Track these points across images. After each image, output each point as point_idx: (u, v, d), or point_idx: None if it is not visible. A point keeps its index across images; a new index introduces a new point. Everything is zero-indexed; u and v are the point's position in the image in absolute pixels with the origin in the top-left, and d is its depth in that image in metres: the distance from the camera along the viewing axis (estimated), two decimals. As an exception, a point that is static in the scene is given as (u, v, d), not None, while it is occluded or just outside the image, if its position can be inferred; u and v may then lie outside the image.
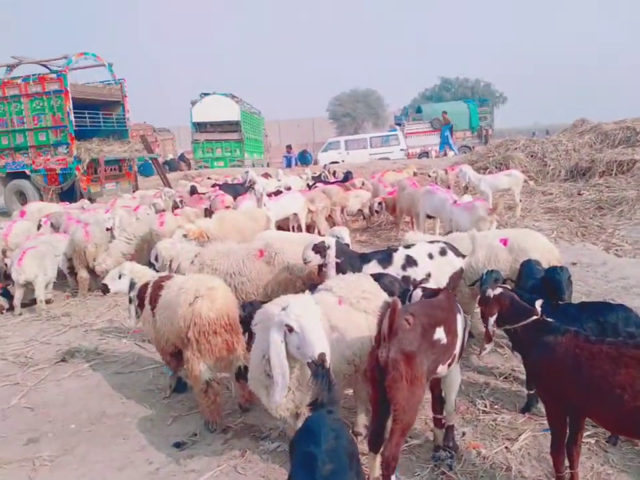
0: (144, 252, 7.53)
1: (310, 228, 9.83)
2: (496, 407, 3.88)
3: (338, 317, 3.24)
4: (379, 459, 2.80)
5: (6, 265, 7.51)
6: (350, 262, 4.45)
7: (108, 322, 6.51)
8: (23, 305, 7.23)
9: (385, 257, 4.54)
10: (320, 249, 4.40)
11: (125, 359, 5.36)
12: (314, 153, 29.52)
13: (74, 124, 16.02)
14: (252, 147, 27.78)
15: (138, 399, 4.46)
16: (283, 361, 2.76)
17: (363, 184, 12.14)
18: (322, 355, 2.60)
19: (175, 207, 10.79)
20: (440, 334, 2.91)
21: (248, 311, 4.01)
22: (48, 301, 7.45)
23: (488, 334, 3.11)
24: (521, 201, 10.40)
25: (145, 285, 4.36)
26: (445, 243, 4.69)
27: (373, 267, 4.48)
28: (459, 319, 3.13)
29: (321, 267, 4.50)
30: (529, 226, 9.40)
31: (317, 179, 14.29)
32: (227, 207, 9.63)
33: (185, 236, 6.05)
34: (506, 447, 3.38)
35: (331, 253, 4.37)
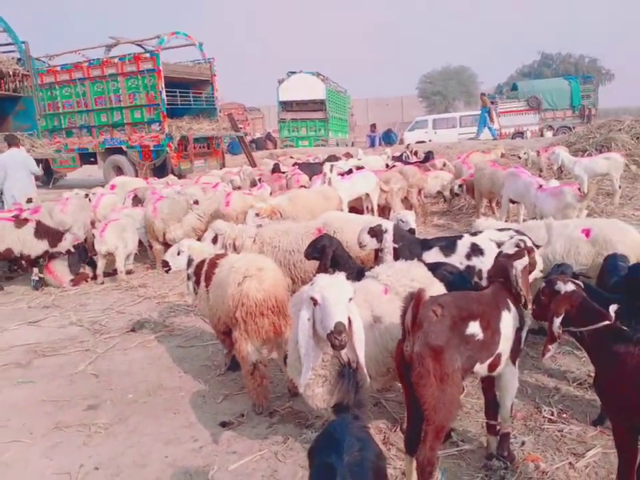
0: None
1: (385, 209, 9.57)
2: (564, 415, 3.49)
3: (382, 306, 3.04)
4: (415, 462, 2.59)
5: (93, 235, 7.95)
6: (409, 248, 4.19)
7: (179, 295, 6.70)
8: (106, 275, 7.66)
9: (448, 245, 4.24)
10: (376, 233, 4.19)
11: (189, 332, 5.49)
12: (400, 132, 28.83)
13: (166, 102, 16.71)
14: (337, 126, 27.63)
15: (194, 374, 4.53)
16: (308, 340, 2.65)
17: (445, 165, 11.61)
18: (339, 324, 2.45)
19: (253, 184, 10.94)
20: (474, 328, 2.62)
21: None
22: (128, 272, 7.84)
23: (552, 334, 2.75)
24: (620, 187, 9.42)
25: (202, 262, 4.39)
26: (516, 231, 4.28)
27: (435, 254, 4.19)
28: (506, 316, 2.81)
29: (377, 251, 4.29)
30: (628, 215, 8.51)
31: (398, 159, 13.88)
32: (302, 186, 9.61)
33: (257, 215, 6.06)
34: (570, 463, 3.02)
35: (388, 237, 4.14)
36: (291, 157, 17.66)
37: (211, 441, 3.51)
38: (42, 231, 7.22)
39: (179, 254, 4.61)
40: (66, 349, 5.20)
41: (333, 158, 13.19)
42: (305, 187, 9.58)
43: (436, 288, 3.26)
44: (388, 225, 4.28)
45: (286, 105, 26.30)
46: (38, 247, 7.19)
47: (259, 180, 11.19)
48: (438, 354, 2.45)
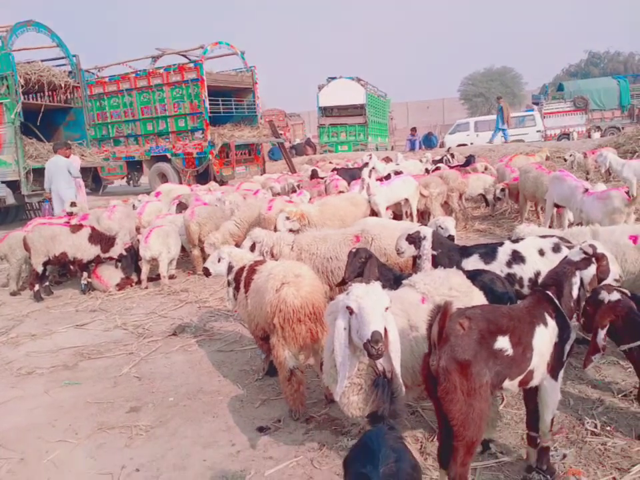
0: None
1: (424, 214, 9.47)
2: (608, 428, 3.35)
3: (419, 315, 3.00)
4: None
5: (138, 241, 8.20)
6: (448, 255, 4.13)
7: (219, 300, 6.82)
8: (150, 280, 7.88)
9: (488, 252, 4.15)
10: (414, 239, 4.14)
11: (229, 337, 5.58)
12: (441, 136, 28.46)
13: (209, 110, 17.10)
14: (376, 131, 27.55)
15: (233, 378, 4.60)
16: (344, 349, 2.65)
17: (486, 169, 11.38)
18: (376, 333, 2.43)
19: (293, 191, 11.02)
20: (503, 343, 2.54)
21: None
22: (171, 277, 8.04)
23: (595, 346, 2.66)
24: (674, 190, 8.98)
25: (241, 269, 4.46)
26: (559, 238, 4.15)
27: (474, 261, 4.11)
28: (541, 331, 2.70)
29: (415, 258, 4.24)
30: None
31: (438, 162, 13.70)
32: (340, 192, 9.62)
33: (287, 218, 6.12)
34: (614, 478, 2.90)
35: (426, 244, 4.09)
36: (330, 162, 17.71)
37: (249, 446, 3.55)
38: (95, 237, 7.52)
39: (219, 260, 4.69)
40: (111, 351, 5.38)
41: (314, 172, 13.01)
42: (344, 192, 9.59)
43: (475, 297, 3.20)
44: (426, 231, 4.22)
45: (325, 111, 26.43)
46: (91, 251, 7.49)
47: (298, 186, 11.27)
48: (465, 368, 2.40)
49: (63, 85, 13.79)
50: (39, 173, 12.44)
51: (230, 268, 4.61)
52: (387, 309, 2.66)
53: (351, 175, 11.86)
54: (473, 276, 3.54)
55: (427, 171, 12.44)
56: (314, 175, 12.66)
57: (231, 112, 18.80)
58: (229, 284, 4.62)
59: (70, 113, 14.47)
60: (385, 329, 2.61)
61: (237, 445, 3.59)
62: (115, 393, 4.44)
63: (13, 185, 12.68)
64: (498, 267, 4.06)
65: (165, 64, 18.31)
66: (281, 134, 23.04)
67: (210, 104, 17.18)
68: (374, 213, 8.17)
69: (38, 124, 13.30)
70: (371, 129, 26.05)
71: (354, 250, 4.11)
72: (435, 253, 4.11)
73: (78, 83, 14.24)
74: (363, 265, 3.98)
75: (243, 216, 7.96)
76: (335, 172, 12.71)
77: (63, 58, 14.17)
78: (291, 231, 6.00)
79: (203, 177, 17.16)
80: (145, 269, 7.77)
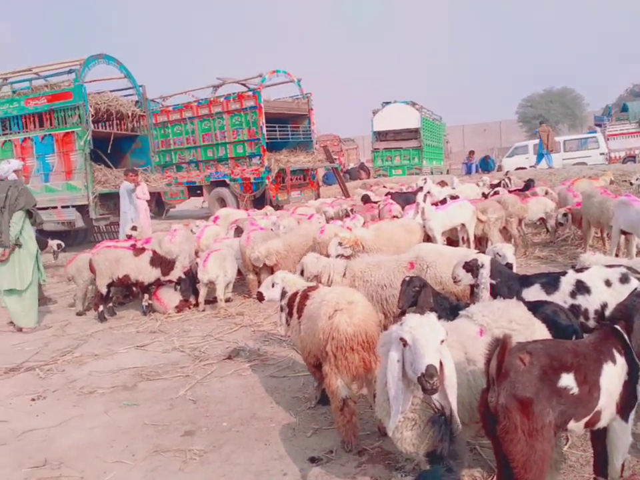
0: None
1: (481, 240, 9.24)
2: (688, 478, 3.09)
3: (477, 349, 2.89)
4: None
5: (196, 264, 8.43)
6: (507, 284, 3.99)
7: (273, 324, 6.87)
8: (206, 302, 8.06)
9: (551, 281, 3.97)
10: (472, 267, 4.03)
11: (282, 362, 5.59)
12: (498, 159, 27.85)
13: (266, 137, 17.56)
14: (431, 154, 27.32)
15: (286, 405, 4.59)
16: (397, 382, 2.58)
17: (547, 193, 11.00)
18: (430, 367, 2.35)
19: (346, 215, 11.04)
20: (567, 381, 2.40)
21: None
22: (227, 300, 8.19)
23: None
24: None
25: (295, 294, 4.48)
26: (627, 267, 3.93)
27: (535, 292, 3.95)
28: (609, 369, 2.53)
29: (473, 287, 4.12)
30: None
31: (496, 186, 13.38)
32: (394, 217, 9.55)
33: (340, 244, 6.12)
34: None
35: (484, 272, 3.97)
36: (384, 186, 17.67)
37: (300, 476, 3.51)
38: (156, 260, 7.80)
39: (273, 286, 4.73)
40: (168, 373, 5.50)
41: (366, 197, 12.93)
42: (398, 217, 9.52)
43: (537, 330, 3.06)
44: (484, 259, 4.10)
45: (380, 135, 26.52)
46: (152, 274, 7.75)
47: (351, 210, 11.29)
48: (526, 406, 2.28)
49: (130, 114, 14.55)
50: (106, 198, 13.13)
51: (283, 293, 4.64)
52: (442, 341, 2.58)
53: (405, 199, 11.78)
54: (535, 307, 3.39)
55: (484, 195, 12.19)
56: (365, 199, 12.65)
57: (287, 138, 19.23)
58: (281, 309, 4.65)
59: (136, 141, 15.23)
60: (441, 363, 2.54)
61: (289, 474, 3.55)
62: (171, 416, 4.52)
63: (82, 209, 13.40)
64: (561, 297, 3.88)
65: (225, 92, 19.03)
66: (335, 159, 23.27)
67: (267, 130, 17.66)
68: (429, 239, 8.06)
69: (108, 151, 14.07)
70: (425, 152, 25.87)
71: (407, 278, 4.04)
72: (493, 282, 3.98)
73: (144, 112, 14.98)
74: (417, 293, 3.90)
75: (292, 238, 8.04)
76: (389, 196, 12.66)
77: (130, 88, 14.96)
78: (342, 256, 5.99)
79: (259, 202, 17.55)
80: (203, 291, 7.96)
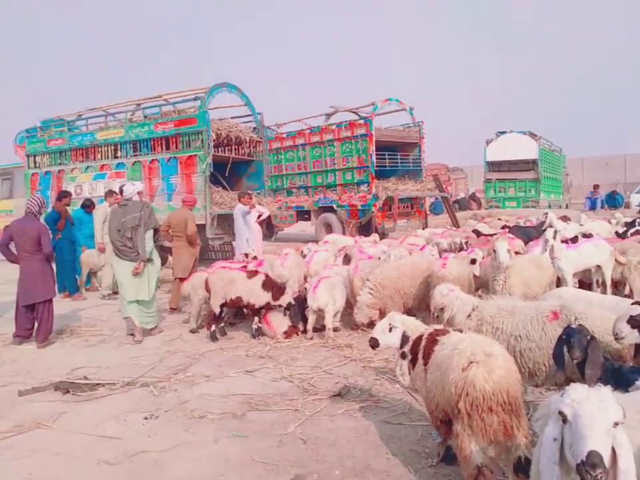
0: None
1: (618, 285, 8.24)
2: None
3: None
4: None
5: (305, 290, 8.33)
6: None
7: (385, 361, 6.51)
8: (314, 330, 7.89)
9: None
10: (639, 324, 3.42)
11: (396, 407, 5.19)
12: (626, 194, 25.49)
13: (375, 164, 17.46)
14: (549, 187, 25.68)
15: (403, 458, 4.19)
16: (552, 465, 2.14)
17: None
18: (593, 454, 1.90)
19: (461, 248, 10.46)
20: None
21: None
22: (335, 329, 7.96)
23: None
24: None
25: (419, 338, 4.09)
26: None
27: None
28: None
29: (638, 346, 3.50)
30: None
31: (630, 225, 12.06)
32: (517, 253, 8.83)
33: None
34: None
35: (656, 332, 3.35)
36: (499, 219, 16.71)
37: None
38: (268, 284, 7.81)
39: (390, 330, 4.33)
40: (277, 404, 5.33)
41: (475, 232, 11.99)
42: (519, 253, 8.80)
43: None
44: (656, 316, 3.48)
45: (493, 165, 25.48)
46: (263, 297, 7.77)
47: (467, 243, 10.68)
48: None
49: (247, 140, 15.11)
50: (222, 219, 13.61)
51: (405, 338, 4.25)
52: (616, 424, 2.10)
53: (526, 233, 10.97)
54: None
55: (617, 234, 11.00)
56: (477, 234, 11.90)
57: (396, 166, 18.99)
58: (403, 356, 4.25)
59: (252, 165, 15.76)
60: (614, 451, 2.06)
61: None
62: (280, 454, 4.30)
63: (200, 229, 14.00)
64: None
65: (338, 120, 19.26)
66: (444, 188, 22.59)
67: (376, 158, 17.55)
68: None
69: (226, 174, 14.66)
70: (543, 185, 24.35)
71: (575, 326, 3.49)
72: (666, 344, 3.35)
73: (260, 138, 15.50)
74: (584, 351, 3.33)
75: (379, 277, 7.62)
76: (506, 230, 11.87)
77: (249, 115, 15.57)
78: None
79: (364, 229, 17.40)
80: (312, 319, 7.81)
